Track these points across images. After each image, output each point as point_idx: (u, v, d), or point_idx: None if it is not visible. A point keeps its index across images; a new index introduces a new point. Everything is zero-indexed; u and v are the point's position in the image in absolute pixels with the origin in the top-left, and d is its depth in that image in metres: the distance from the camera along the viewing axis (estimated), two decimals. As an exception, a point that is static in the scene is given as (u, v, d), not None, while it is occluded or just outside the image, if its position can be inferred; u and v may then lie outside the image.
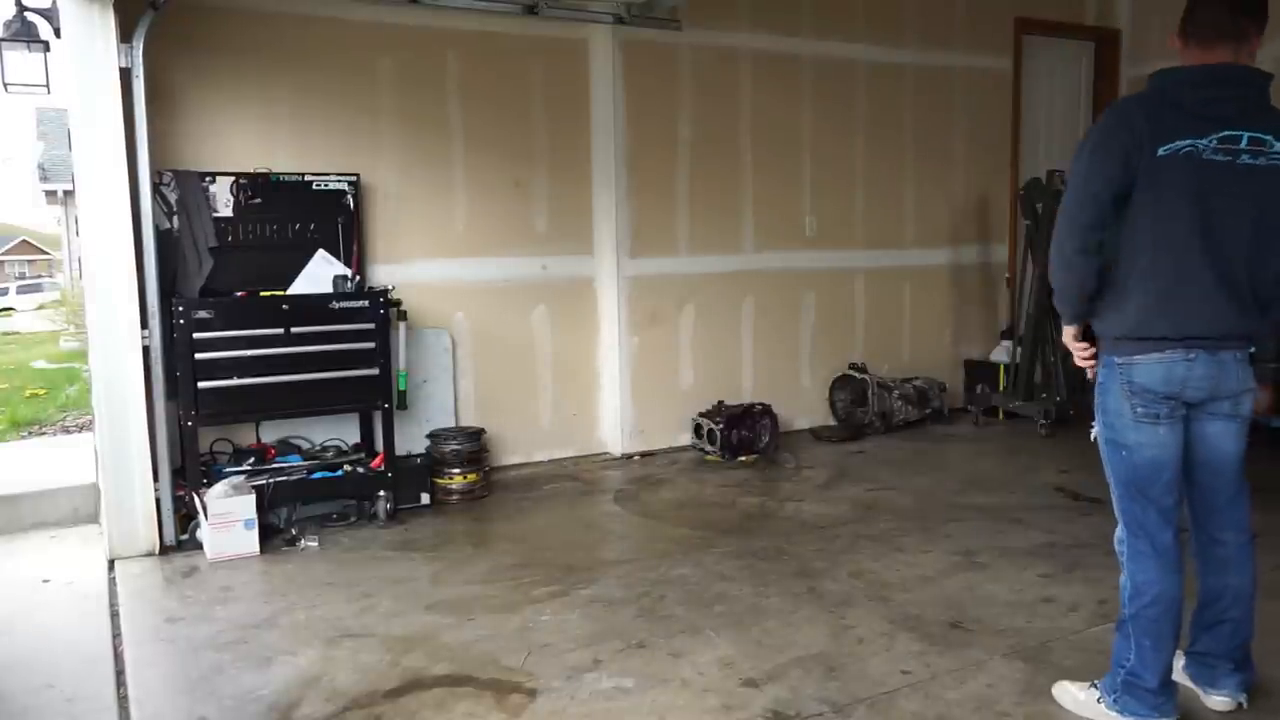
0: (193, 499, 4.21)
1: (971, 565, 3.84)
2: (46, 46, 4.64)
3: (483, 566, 3.97)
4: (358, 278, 4.76)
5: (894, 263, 6.72)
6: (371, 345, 4.51)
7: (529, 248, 5.59)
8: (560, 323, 5.71)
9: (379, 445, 4.72)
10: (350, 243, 4.83)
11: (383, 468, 4.58)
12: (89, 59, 3.94)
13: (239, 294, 4.46)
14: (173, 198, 4.41)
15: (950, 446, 5.99)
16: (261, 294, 4.47)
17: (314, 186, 4.74)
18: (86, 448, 5.09)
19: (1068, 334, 2.67)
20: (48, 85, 4.69)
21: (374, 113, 5.08)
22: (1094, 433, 2.64)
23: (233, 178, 4.57)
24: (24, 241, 38.71)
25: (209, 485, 4.17)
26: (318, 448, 4.78)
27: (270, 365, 4.31)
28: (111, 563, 4.08)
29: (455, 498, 4.87)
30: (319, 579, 3.84)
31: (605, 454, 5.86)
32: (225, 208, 4.55)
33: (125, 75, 4.05)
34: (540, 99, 5.54)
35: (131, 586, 3.81)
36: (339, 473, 4.54)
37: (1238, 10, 2.41)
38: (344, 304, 4.47)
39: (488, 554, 4.14)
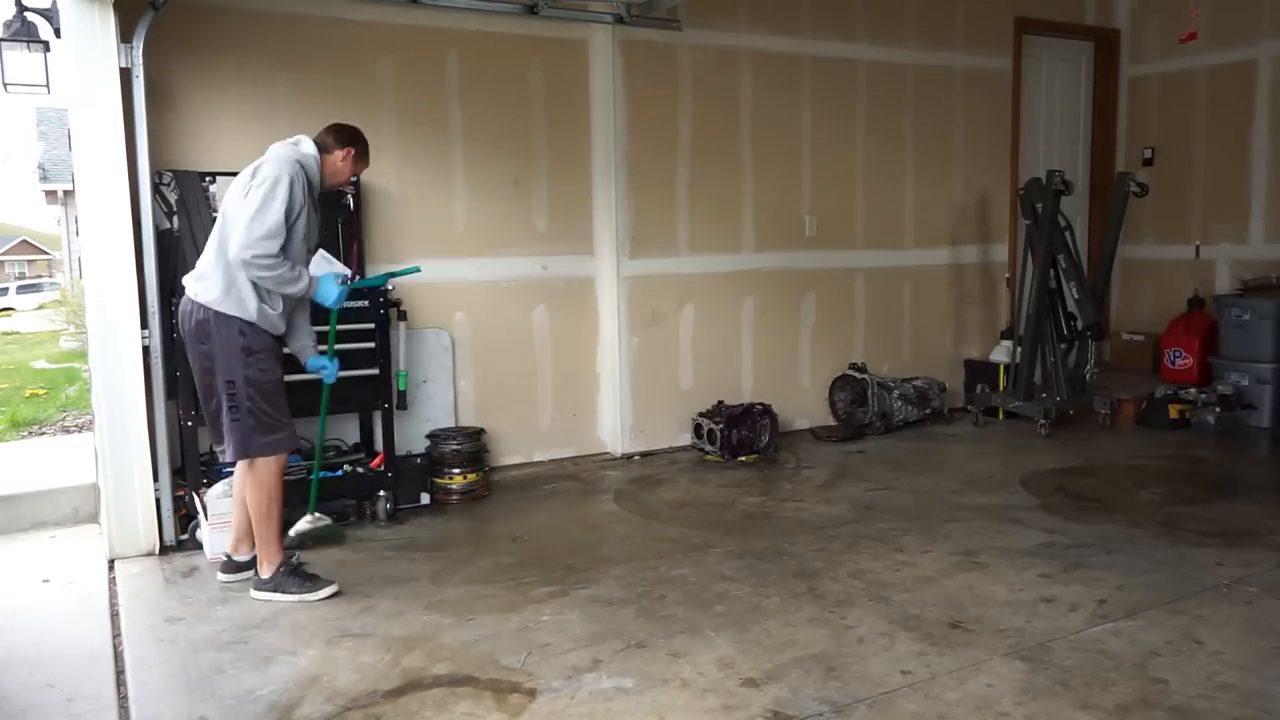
0: (192, 499, 4.21)
1: (971, 565, 3.84)
2: (46, 46, 4.65)
3: (483, 566, 3.97)
4: (358, 277, 4.76)
5: (894, 263, 6.72)
6: (371, 345, 4.53)
7: (529, 247, 5.59)
8: (560, 323, 5.71)
9: (379, 445, 4.73)
10: (350, 243, 4.82)
11: (383, 468, 4.58)
12: (89, 59, 3.94)
13: (239, 294, 4.45)
14: (173, 198, 4.41)
15: (950, 446, 5.99)
16: (261, 294, 4.47)
17: (314, 186, 4.73)
18: (86, 448, 5.10)
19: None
20: (48, 85, 4.71)
21: (374, 113, 5.08)
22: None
23: (233, 177, 4.56)
24: (24, 241, 38.75)
25: (209, 485, 4.17)
26: (318, 448, 4.77)
27: (270, 365, 4.30)
28: (111, 563, 4.08)
29: (455, 498, 4.87)
30: (319, 579, 3.84)
31: (605, 454, 5.86)
32: (225, 208, 4.54)
33: (125, 75, 4.05)
34: (540, 99, 5.54)
35: (131, 586, 3.81)
36: (339, 473, 4.54)
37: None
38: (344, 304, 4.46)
39: (488, 554, 4.14)
